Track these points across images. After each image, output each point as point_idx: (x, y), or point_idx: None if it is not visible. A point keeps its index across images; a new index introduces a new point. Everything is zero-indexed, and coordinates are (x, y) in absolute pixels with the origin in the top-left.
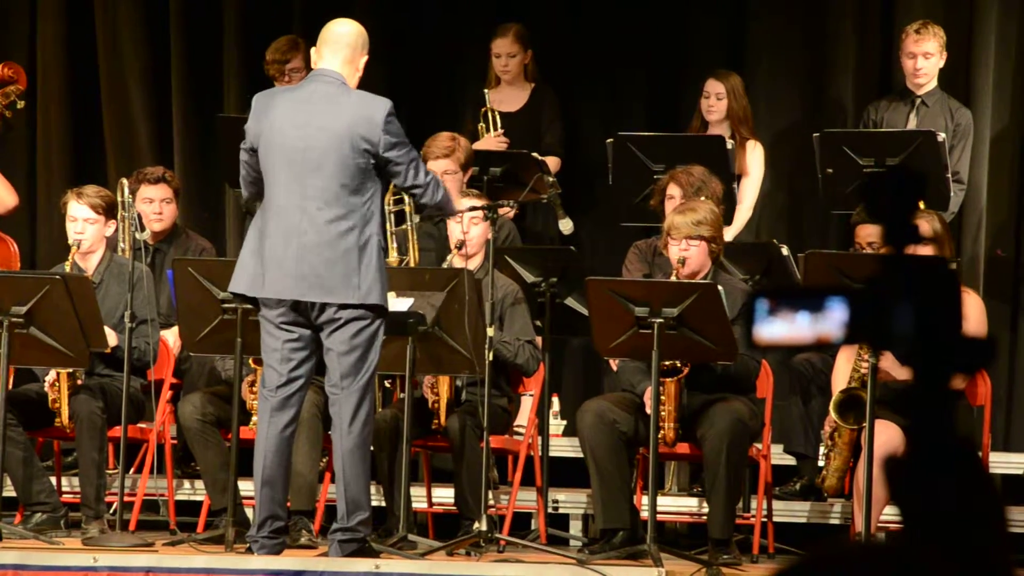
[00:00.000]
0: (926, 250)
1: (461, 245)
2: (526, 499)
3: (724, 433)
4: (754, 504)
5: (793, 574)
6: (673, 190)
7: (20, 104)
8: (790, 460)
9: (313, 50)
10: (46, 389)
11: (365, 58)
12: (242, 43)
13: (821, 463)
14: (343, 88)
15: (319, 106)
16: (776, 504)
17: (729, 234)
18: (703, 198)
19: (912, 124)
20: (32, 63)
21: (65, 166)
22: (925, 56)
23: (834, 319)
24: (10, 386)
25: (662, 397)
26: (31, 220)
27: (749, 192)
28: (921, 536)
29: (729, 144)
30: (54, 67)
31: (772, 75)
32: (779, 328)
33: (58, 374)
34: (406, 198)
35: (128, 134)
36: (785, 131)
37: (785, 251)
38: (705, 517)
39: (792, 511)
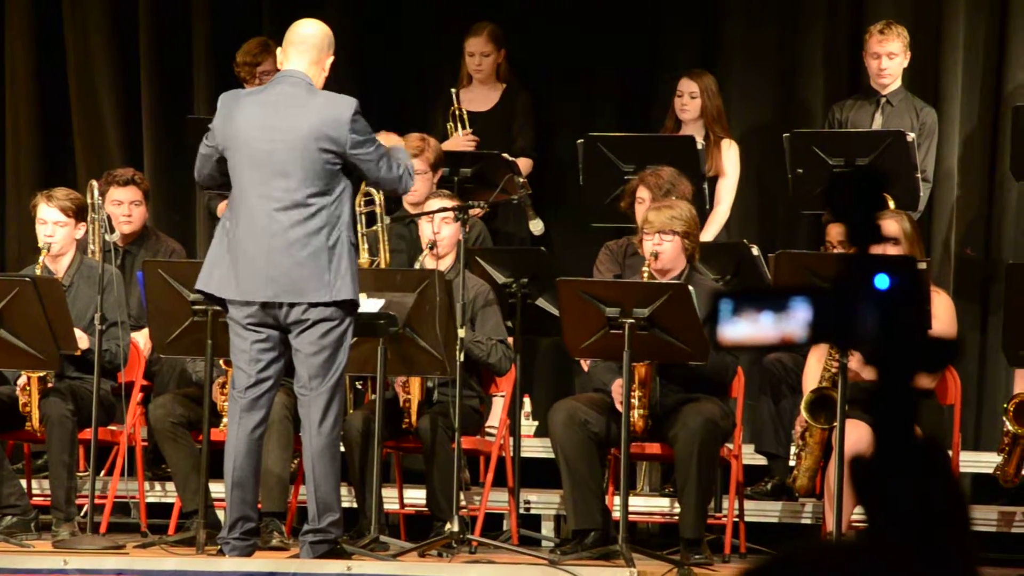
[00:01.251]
0: (894, 250)
1: (433, 246)
2: (498, 500)
3: (695, 433)
4: (726, 504)
5: (764, 574)
6: (643, 193)
7: None
8: (761, 460)
9: (279, 50)
10: (16, 392)
11: (331, 59)
12: (211, 44)
13: (792, 463)
14: (309, 89)
15: (285, 108)
16: (747, 504)
17: (708, 235)
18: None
19: (877, 124)
20: (0, 65)
21: (34, 169)
22: (889, 56)
23: (799, 319)
24: None
25: (632, 384)
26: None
27: (726, 193)
28: (887, 536)
29: (700, 144)
30: (23, 69)
31: (743, 75)
32: (743, 328)
33: (28, 377)
34: (377, 199)
35: (98, 136)
36: (756, 131)
37: (755, 251)
38: (677, 517)
39: (763, 511)
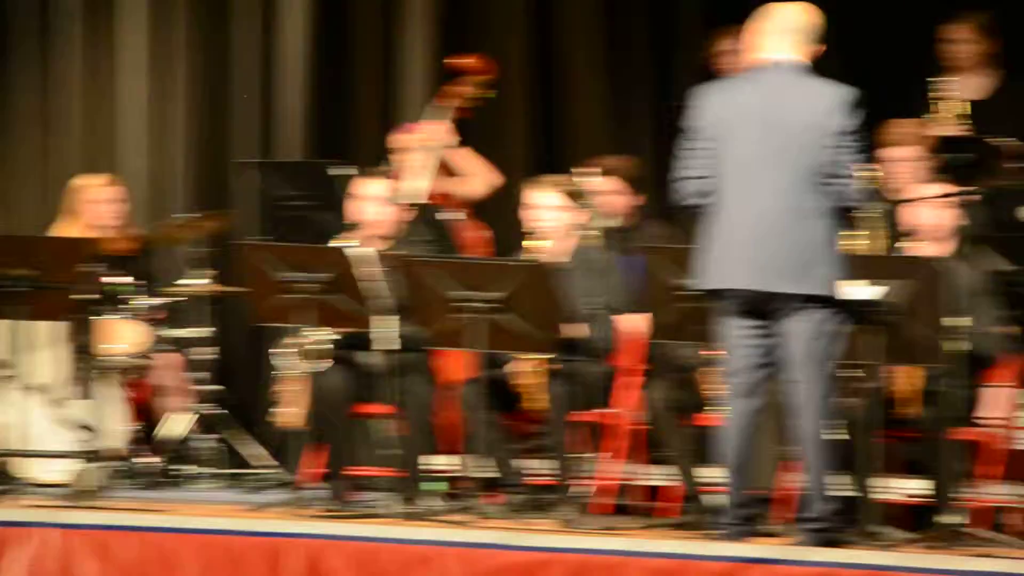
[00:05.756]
0: None
1: (922, 230)
2: (1001, 493)
3: None
4: None
5: None
6: None
7: (490, 94)
8: None
9: (758, 34)
10: (515, 374)
11: (817, 47)
12: (703, 34)
13: None
14: (802, 76)
15: (778, 96)
16: None
17: None
18: None
19: None
20: (499, 53)
21: (528, 155)
22: None
23: None
24: (481, 371)
25: None
26: (497, 208)
27: None
28: None
29: None
30: (516, 56)
31: None
32: None
33: (527, 359)
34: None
35: (588, 122)
36: None
37: None
38: None
39: None
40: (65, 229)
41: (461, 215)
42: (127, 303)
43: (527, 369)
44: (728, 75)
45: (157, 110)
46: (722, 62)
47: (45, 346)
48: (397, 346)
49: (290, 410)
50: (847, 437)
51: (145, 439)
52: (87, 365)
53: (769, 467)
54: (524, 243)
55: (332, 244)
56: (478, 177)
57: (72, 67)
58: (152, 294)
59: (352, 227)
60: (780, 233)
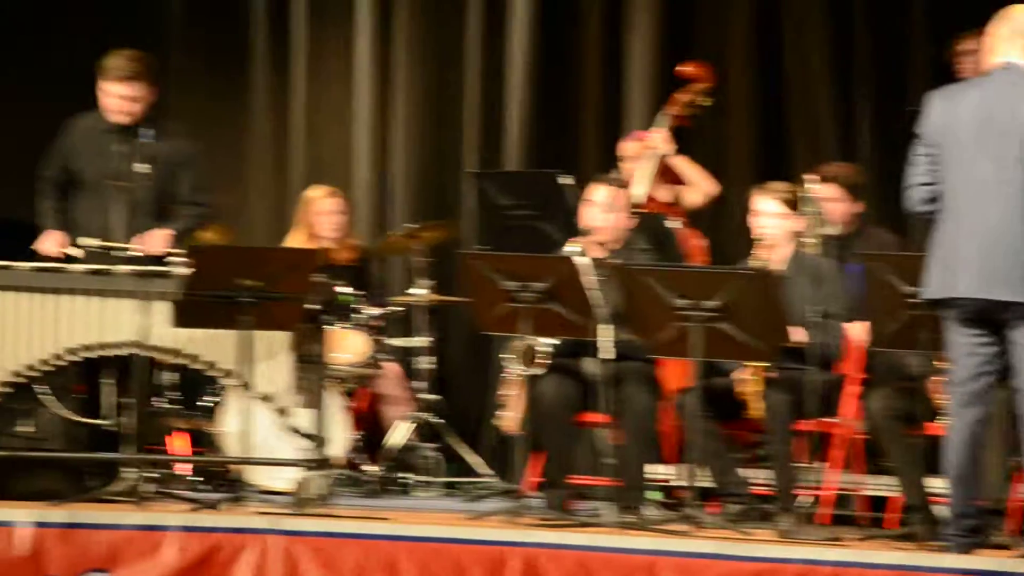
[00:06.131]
0: None
1: None
2: None
3: None
4: None
5: None
6: None
7: (707, 102)
8: None
9: (992, 37)
10: (737, 382)
11: None
12: (929, 37)
13: None
14: None
15: (1008, 101)
16: None
17: None
18: None
19: None
20: (721, 61)
21: (752, 161)
22: None
23: None
24: (700, 379)
25: None
26: (718, 215)
27: None
28: None
29: None
30: (740, 63)
31: None
32: None
33: (749, 367)
34: None
35: (812, 128)
36: None
37: None
38: None
39: None
40: (294, 240)
41: (678, 223)
42: (353, 313)
43: (749, 377)
44: (969, 77)
45: (384, 120)
46: (964, 64)
47: (271, 355)
48: (616, 354)
49: (512, 416)
50: None
51: (367, 448)
52: (312, 374)
53: (997, 478)
54: (753, 250)
55: (561, 252)
56: (695, 185)
57: (304, 83)
58: (373, 303)
59: (582, 233)
60: (1010, 241)
